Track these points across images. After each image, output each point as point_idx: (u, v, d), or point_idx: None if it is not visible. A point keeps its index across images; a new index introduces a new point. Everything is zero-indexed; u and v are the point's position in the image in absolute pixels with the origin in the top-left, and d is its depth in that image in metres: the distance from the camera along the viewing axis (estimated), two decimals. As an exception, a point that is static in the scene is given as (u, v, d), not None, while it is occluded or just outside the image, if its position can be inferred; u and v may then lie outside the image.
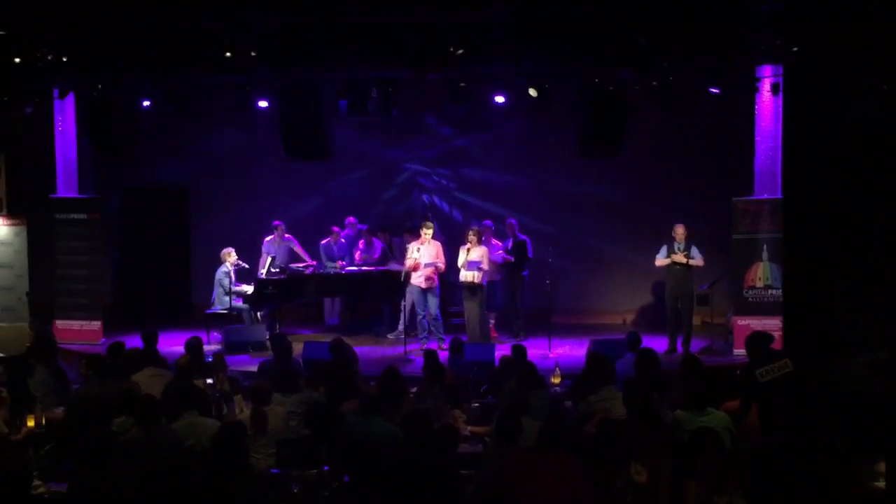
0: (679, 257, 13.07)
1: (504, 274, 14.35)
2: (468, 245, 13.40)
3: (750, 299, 13.12)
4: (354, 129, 15.95)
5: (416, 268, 13.47)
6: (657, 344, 13.01)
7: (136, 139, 15.15)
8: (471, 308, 13.34)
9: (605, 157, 14.71)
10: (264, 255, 14.67)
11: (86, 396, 8.70)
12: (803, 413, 7.58)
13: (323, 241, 15.21)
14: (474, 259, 13.27)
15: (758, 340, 8.13)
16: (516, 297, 14.48)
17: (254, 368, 11.12)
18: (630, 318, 15.67)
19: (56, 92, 13.80)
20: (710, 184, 14.86)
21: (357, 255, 15.08)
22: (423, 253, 13.43)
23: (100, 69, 13.07)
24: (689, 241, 13.10)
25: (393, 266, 14.52)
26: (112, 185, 16.06)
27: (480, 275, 13.24)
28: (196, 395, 8.11)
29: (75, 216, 14.56)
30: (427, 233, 13.49)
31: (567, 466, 6.16)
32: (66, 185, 14.65)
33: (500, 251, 14.26)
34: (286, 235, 15.09)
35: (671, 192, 15.42)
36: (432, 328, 13.61)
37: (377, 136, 16.46)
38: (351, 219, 15.41)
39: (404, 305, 14.01)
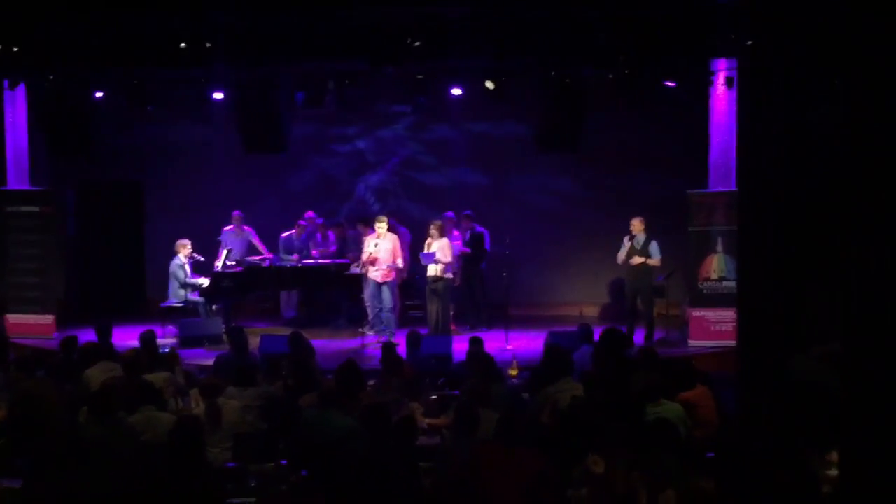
0: (637, 260, 13.14)
1: (462, 266, 14.37)
2: (428, 239, 13.41)
3: (705, 291, 13.25)
4: (311, 122, 15.90)
5: (373, 262, 13.44)
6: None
7: (89, 131, 15.01)
8: (431, 302, 13.37)
9: (562, 152, 14.79)
10: (223, 245, 14.60)
11: (29, 391, 8.55)
12: (757, 406, 7.66)
13: (283, 234, 15.13)
14: (430, 252, 13.29)
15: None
16: (475, 289, 14.53)
17: (210, 362, 11.05)
18: (589, 310, 15.77)
19: (6, 83, 13.61)
20: (666, 177, 14.99)
21: (314, 249, 15.05)
22: (381, 247, 13.41)
23: (51, 60, 12.91)
24: (649, 236, 13.18)
25: (346, 259, 14.53)
26: (65, 178, 15.87)
27: (442, 268, 13.24)
28: (151, 389, 8.06)
29: (27, 209, 14.37)
30: (380, 227, 13.43)
31: (524, 458, 6.18)
32: (17, 178, 14.45)
33: (459, 244, 14.28)
34: (245, 227, 15.02)
35: (628, 185, 15.55)
36: (385, 322, 13.58)
37: (334, 129, 16.43)
38: (309, 213, 15.36)
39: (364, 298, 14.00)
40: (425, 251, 13.40)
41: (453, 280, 13.62)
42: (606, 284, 15.72)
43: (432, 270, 13.31)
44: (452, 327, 13.96)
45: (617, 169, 15.71)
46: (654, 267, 13.26)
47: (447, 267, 13.31)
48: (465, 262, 14.40)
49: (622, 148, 15.62)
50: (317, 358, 10.53)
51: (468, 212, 14.64)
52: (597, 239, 15.42)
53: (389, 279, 13.52)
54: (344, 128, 16.46)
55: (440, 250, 13.24)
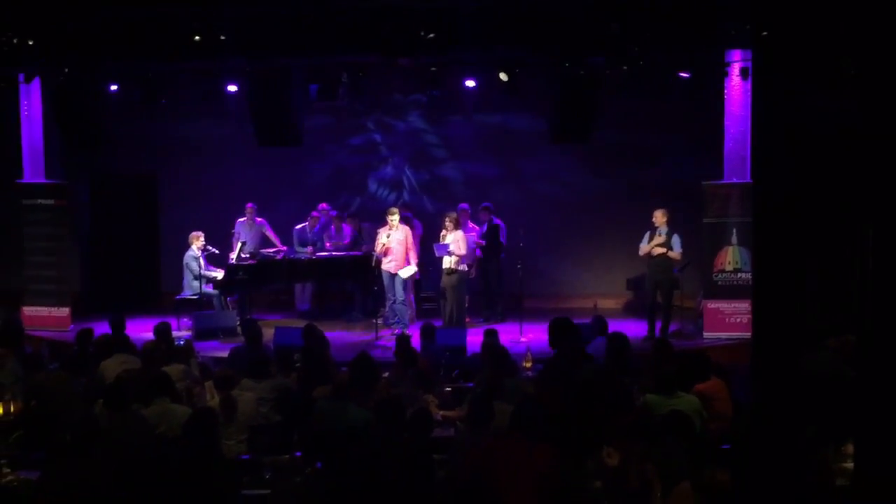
0: (658, 249, 13.01)
1: (478, 258, 14.36)
2: (443, 231, 13.39)
3: (720, 283, 13.20)
4: (325, 115, 15.91)
5: (386, 253, 13.45)
6: (635, 329, 13.12)
7: (103, 125, 15.05)
8: (448, 293, 13.35)
9: (576, 143, 14.76)
10: (236, 235, 14.63)
11: (45, 384, 8.60)
12: (772, 398, 7.63)
13: (297, 227, 15.16)
14: (445, 243, 13.27)
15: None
16: (491, 282, 14.51)
17: (224, 354, 11.08)
18: (604, 303, 15.74)
19: (21, 76, 13.65)
20: (680, 168, 14.97)
21: (328, 241, 15.07)
22: (393, 238, 13.41)
23: (66, 53, 12.93)
24: (672, 228, 13.10)
25: (360, 252, 14.56)
26: (80, 171, 15.95)
27: (457, 260, 13.23)
28: (165, 381, 8.07)
29: (42, 202, 14.43)
30: (392, 218, 13.44)
31: (538, 451, 6.17)
32: (33, 171, 14.51)
33: (474, 234, 14.26)
34: (258, 219, 15.06)
35: (642, 176, 15.53)
36: (399, 314, 13.59)
37: (348, 122, 16.45)
38: (323, 205, 15.38)
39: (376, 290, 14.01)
40: (440, 242, 13.38)
41: (468, 272, 13.60)
42: (622, 276, 15.69)
43: (446, 262, 13.30)
44: (467, 319, 13.95)
45: (631, 160, 15.68)
46: (673, 259, 13.18)
47: (462, 259, 13.29)
48: (481, 255, 14.38)
49: (636, 139, 15.59)
50: (331, 350, 10.54)
51: (487, 204, 14.62)
52: (611, 231, 15.40)
53: (401, 270, 13.52)
54: (357, 120, 16.48)
55: (454, 242, 13.21)
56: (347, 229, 15.17)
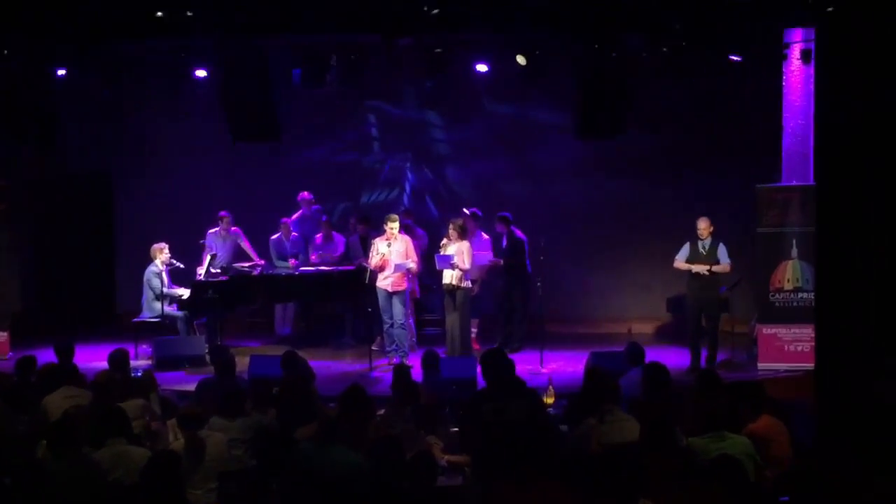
0: (700, 267, 12.97)
1: (501, 275, 14.38)
2: (444, 240, 13.31)
3: (777, 304, 13.16)
4: (311, 106, 15.90)
5: (382, 267, 13.38)
6: (677, 359, 13.07)
7: (50, 116, 15.02)
8: (450, 315, 13.31)
9: (606, 139, 14.73)
10: (207, 249, 14.65)
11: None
12: (840, 439, 7.62)
13: (273, 237, 15.18)
14: (447, 255, 13.16)
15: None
16: (514, 306, 14.39)
17: (191, 388, 11.07)
18: (640, 327, 15.71)
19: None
20: (730, 169, 14.96)
21: (313, 252, 15.05)
22: (393, 251, 13.36)
23: (6, 32, 12.94)
24: (716, 238, 13.05)
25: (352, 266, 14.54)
26: (22, 170, 15.94)
27: (460, 275, 13.17)
28: (121, 419, 8.05)
29: (-23, 206, 14.46)
30: (392, 227, 13.37)
31: (563, 500, 6.15)
32: (-33, 171, 14.54)
33: (488, 251, 14.21)
34: (233, 228, 15.08)
35: (684, 178, 15.54)
36: (397, 340, 13.55)
37: (339, 114, 16.46)
38: (305, 194, 15.40)
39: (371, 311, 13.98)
40: (441, 252, 13.32)
41: (472, 289, 13.52)
42: (660, 297, 15.66)
43: (448, 277, 13.20)
44: (476, 347, 13.91)
45: (671, 160, 15.67)
46: (721, 276, 13.11)
47: (466, 274, 13.20)
48: (504, 272, 14.35)
49: (678, 135, 15.58)
50: (316, 382, 10.53)
51: (505, 214, 14.39)
52: (647, 242, 15.38)
53: (401, 288, 13.46)
54: (349, 112, 16.49)
55: (458, 254, 13.10)
56: (339, 239, 15.15)
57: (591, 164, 15.99)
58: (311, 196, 15.52)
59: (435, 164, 16.62)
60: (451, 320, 13.29)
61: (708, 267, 12.96)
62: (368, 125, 16.69)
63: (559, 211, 15.99)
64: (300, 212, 15.53)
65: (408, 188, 16.66)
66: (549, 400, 9.98)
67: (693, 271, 13.03)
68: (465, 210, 14.35)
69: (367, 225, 14.79)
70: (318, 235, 15.19)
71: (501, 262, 14.21)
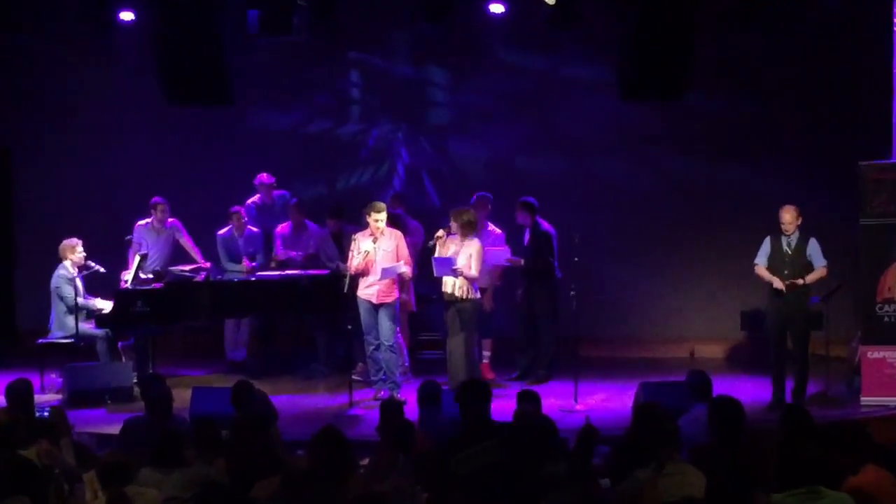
0: (779, 283, 12.85)
1: (520, 281, 14.37)
2: (440, 234, 13.21)
3: (886, 319, 13.11)
4: (273, 59, 15.90)
5: (366, 271, 13.32)
6: (754, 391, 13.07)
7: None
8: (452, 335, 13.25)
9: (660, 101, 14.71)
10: (135, 247, 14.64)
11: None
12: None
13: (221, 231, 15.12)
14: (447, 257, 13.07)
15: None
16: (538, 318, 14.36)
17: (115, 430, 11.03)
18: (705, 349, 15.68)
19: None
20: (824, 143, 14.97)
21: (280, 249, 15.03)
22: (379, 249, 13.31)
23: None
24: (805, 233, 12.98)
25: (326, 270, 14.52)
26: None
27: (466, 285, 13.11)
28: (23, 471, 8.01)
29: None
30: (377, 218, 13.24)
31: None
32: None
33: (504, 247, 14.16)
34: (169, 220, 15.03)
35: (763, 154, 15.52)
36: (385, 366, 13.52)
37: (309, 70, 16.49)
38: (264, 177, 15.39)
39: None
40: (437, 254, 13.22)
41: (482, 301, 13.47)
42: (732, 309, 15.66)
43: (449, 285, 13.15)
44: (489, 375, 13.87)
45: (745, 131, 15.69)
46: (813, 280, 13.02)
47: (474, 283, 13.12)
48: (524, 277, 14.32)
49: (754, 100, 15.59)
50: (279, 423, 10.50)
51: (529, 199, 14.30)
52: (714, 238, 15.34)
53: (391, 299, 13.43)
54: (322, 67, 16.51)
55: (465, 256, 13.04)
56: (314, 230, 15.04)
57: (640, 136, 16.01)
58: (273, 179, 15.44)
59: (435, 136, 16.63)
60: (455, 342, 13.24)
61: (800, 279, 12.82)
62: (348, 85, 16.69)
63: (598, 197, 16.03)
64: (256, 198, 15.46)
65: (399, 167, 16.66)
66: (586, 447, 9.96)
67: (774, 287, 12.90)
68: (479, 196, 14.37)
69: (339, 219, 14.69)
70: (284, 225, 15.17)
71: (522, 262, 14.14)
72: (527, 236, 14.23)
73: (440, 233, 13.21)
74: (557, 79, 16.10)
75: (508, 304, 14.58)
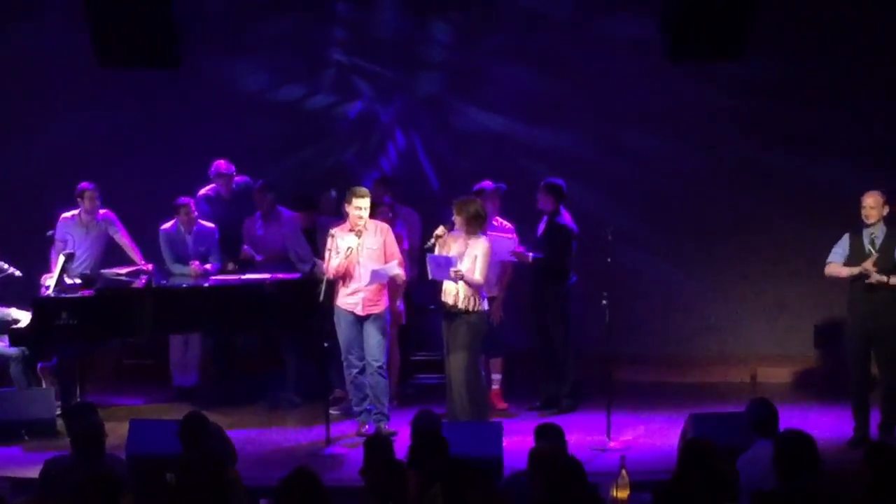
0: (877, 276, 12.84)
1: (528, 283, 14.37)
2: (440, 231, 13.13)
3: None
4: (231, 10, 15.93)
5: (347, 273, 13.33)
6: (831, 425, 13.11)
7: None
8: (454, 353, 13.26)
9: (715, 63, 14.74)
10: (58, 245, 14.67)
11: None
12: None
13: (164, 226, 15.12)
14: (448, 256, 13.06)
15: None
16: (548, 327, 14.40)
17: (34, 472, 11.03)
18: (769, 373, 15.70)
19: None
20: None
21: (248, 245, 15.07)
22: (363, 247, 13.32)
23: None
24: (893, 226, 12.98)
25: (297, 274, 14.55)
26: None
27: (471, 296, 13.10)
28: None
29: None
30: (360, 206, 13.23)
31: None
32: None
33: (514, 239, 14.14)
34: (101, 211, 15.02)
35: (839, 128, 15.51)
36: (371, 393, 13.52)
37: (276, 24, 16.49)
38: (221, 164, 15.38)
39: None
40: (435, 252, 13.13)
41: (489, 313, 13.48)
42: (803, 323, 15.71)
43: (451, 294, 13.16)
44: (501, 405, 13.89)
45: (818, 101, 15.73)
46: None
47: (481, 291, 13.11)
48: (534, 277, 14.35)
49: (827, 62, 15.64)
50: (239, 465, 10.51)
51: (556, 181, 14.30)
52: (784, 235, 15.37)
53: (378, 310, 13.45)
54: (294, 21, 16.52)
55: (469, 257, 13.04)
56: (287, 218, 14.98)
57: (690, 103, 16.01)
58: (232, 167, 15.37)
59: (434, 106, 16.63)
60: (456, 362, 13.24)
61: (885, 278, 12.82)
62: (326, 43, 16.66)
63: (637, 180, 16.08)
64: (210, 188, 15.45)
65: (389, 146, 16.65)
66: (622, 494, 9.97)
67: (862, 275, 12.88)
68: (488, 184, 14.34)
69: (311, 210, 14.67)
70: (251, 219, 15.20)
71: (530, 256, 14.11)
72: (541, 227, 14.25)
73: (440, 230, 13.09)
74: (588, 34, 16.12)
75: (519, 312, 14.56)
